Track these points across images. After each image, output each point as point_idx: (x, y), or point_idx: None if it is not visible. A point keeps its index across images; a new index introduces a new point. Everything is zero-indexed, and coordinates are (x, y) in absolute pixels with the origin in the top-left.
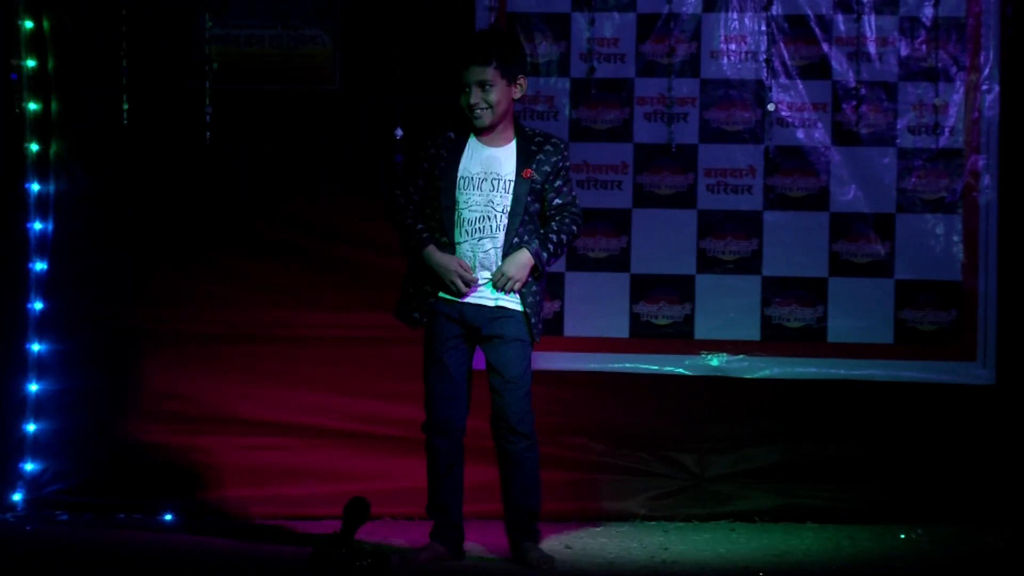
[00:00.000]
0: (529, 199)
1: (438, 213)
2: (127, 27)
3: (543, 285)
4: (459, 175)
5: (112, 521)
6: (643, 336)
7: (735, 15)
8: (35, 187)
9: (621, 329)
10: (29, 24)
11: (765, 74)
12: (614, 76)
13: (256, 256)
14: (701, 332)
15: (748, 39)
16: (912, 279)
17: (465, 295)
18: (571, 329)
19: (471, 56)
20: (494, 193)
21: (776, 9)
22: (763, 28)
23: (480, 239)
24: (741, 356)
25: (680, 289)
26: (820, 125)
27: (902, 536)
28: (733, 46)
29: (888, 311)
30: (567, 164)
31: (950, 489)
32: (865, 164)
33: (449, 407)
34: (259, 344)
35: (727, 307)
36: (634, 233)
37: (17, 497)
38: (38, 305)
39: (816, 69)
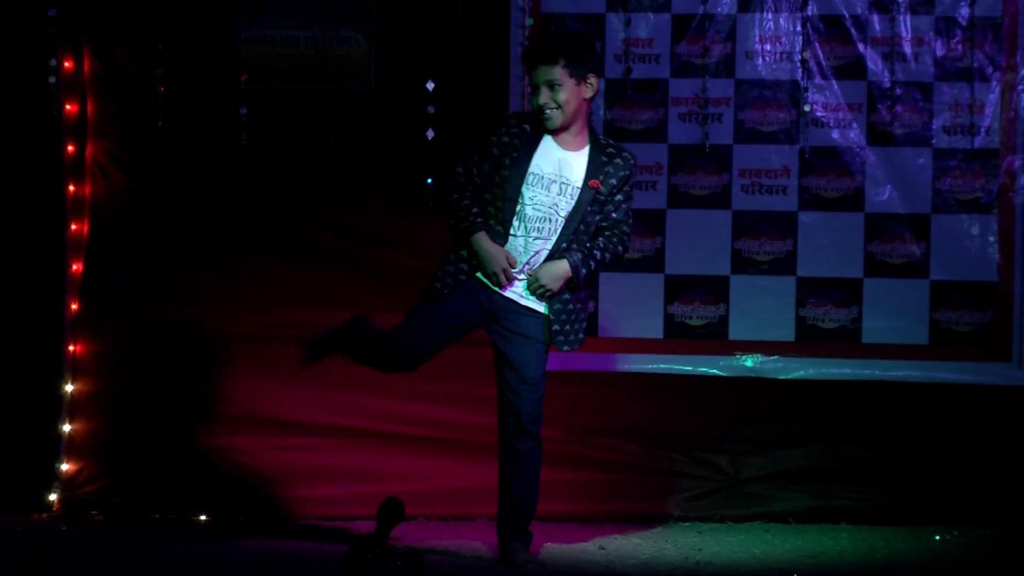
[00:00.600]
0: (590, 208)
1: (499, 201)
2: (162, 28)
3: (582, 296)
4: (530, 171)
5: (147, 521)
6: (677, 337)
7: (770, 15)
8: (72, 188)
9: (655, 330)
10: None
11: (800, 74)
12: (649, 76)
13: (290, 257)
14: (735, 333)
15: (783, 39)
16: (947, 280)
17: (503, 288)
18: (605, 330)
19: (538, 55)
20: (560, 197)
21: (811, 9)
22: (798, 28)
23: (536, 238)
24: (775, 357)
25: (714, 290)
26: (855, 125)
27: (937, 538)
28: (768, 46)
29: (923, 312)
30: (632, 181)
31: (985, 491)
32: (900, 164)
33: (406, 352)
34: (292, 345)
35: (761, 308)
36: (668, 234)
37: (53, 497)
38: (74, 306)
39: (851, 69)
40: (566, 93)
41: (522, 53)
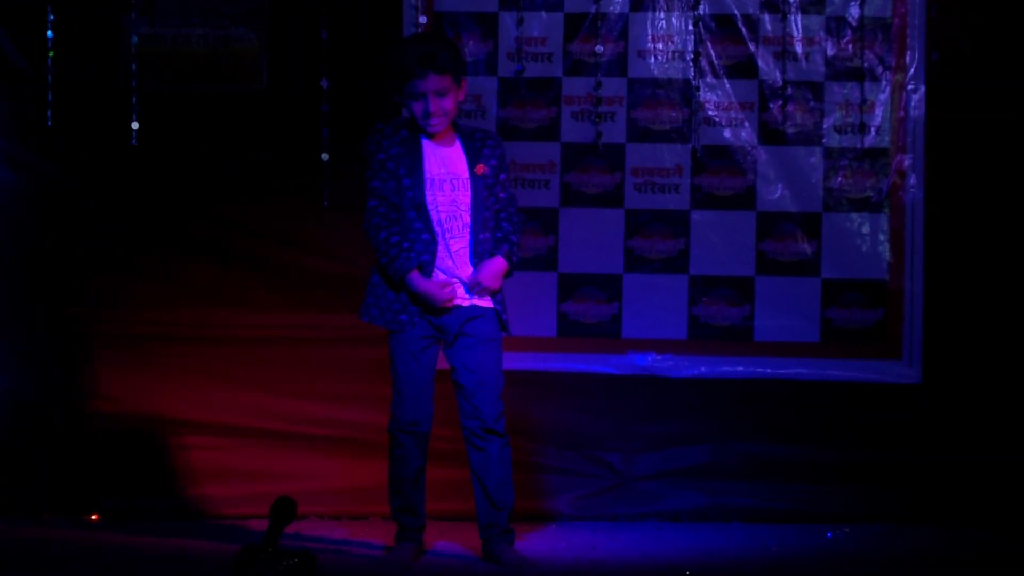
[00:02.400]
0: (485, 194)
1: (410, 212)
2: (53, 26)
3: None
4: (425, 176)
5: (37, 520)
6: (570, 335)
7: (662, 14)
8: None
9: (548, 328)
10: None
11: (692, 73)
12: (542, 75)
13: (186, 256)
14: (628, 331)
15: (675, 38)
16: (838, 278)
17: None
18: None
19: (427, 65)
20: (455, 192)
21: (703, 9)
22: (690, 27)
23: (452, 238)
24: (668, 355)
25: (607, 288)
26: (747, 124)
27: (828, 535)
28: (660, 45)
29: (815, 310)
30: (506, 158)
31: (877, 487)
32: (792, 163)
33: (419, 408)
34: (188, 344)
35: (654, 306)
36: (561, 232)
37: None
38: None
39: (743, 68)
40: (451, 100)
41: (403, 59)
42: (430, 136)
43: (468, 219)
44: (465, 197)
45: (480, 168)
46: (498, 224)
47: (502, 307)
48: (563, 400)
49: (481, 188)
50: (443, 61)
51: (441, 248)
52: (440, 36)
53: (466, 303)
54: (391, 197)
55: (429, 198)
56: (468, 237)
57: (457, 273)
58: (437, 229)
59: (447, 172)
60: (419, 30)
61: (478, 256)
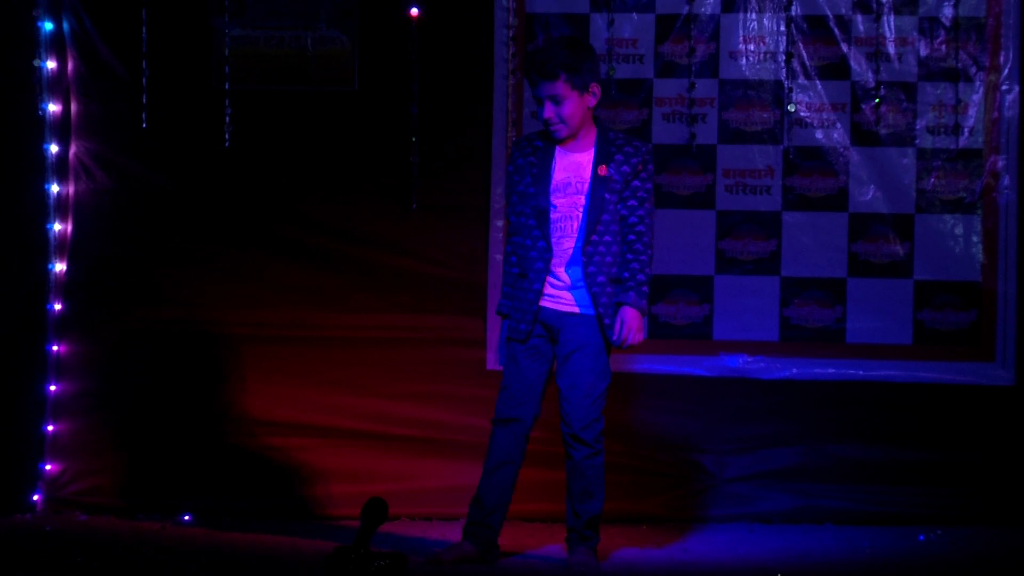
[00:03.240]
0: (607, 196)
1: (531, 219)
2: (147, 28)
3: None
4: (552, 183)
5: (131, 522)
6: (662, 337)
7: (754, 15)
8: (54, 188)
9: None
10: (49, 25)
11: (784, 74)
12: (633, 77)
13: (274, 257)
14: (720, 333)
15: (767, 39)
16: (931, 280)
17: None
18: None
19: (538, 71)
20: (577, 196)
21: (795, 9)
22: (782, 28)
23: (560, 238)
24: (759, 357)
25: (699, 290)
26: (839, 125)
27: (921, 537)
28: (752, 46)
29: (907, 312)
30: (648, 168)
31: (970, 491)
32: (884, 164)
33: (518, 405)
34: (278, 345)
35: (746, 308)
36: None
37: (36, 497)
38: (57, 306)
39: (835, 69)
40: (570, 106)
41: (523, 65)
42: (559, 142)
43: (584, 220)
44: (582, 199)
45: (603, 169)
46: (626, 257)
47: (607, 314)
48: (655, 402)
49: (602, 190)
50: (554, 67)
51: (555, 251)
52: (565, 41)
53: (564, 307)
54: (513, 216)
55: (552, 201)
56: (579, 237)
57: (560, 274)
58: (552, 229)
59: (571, 176)
60: (510, 32)
61: (586, 256)
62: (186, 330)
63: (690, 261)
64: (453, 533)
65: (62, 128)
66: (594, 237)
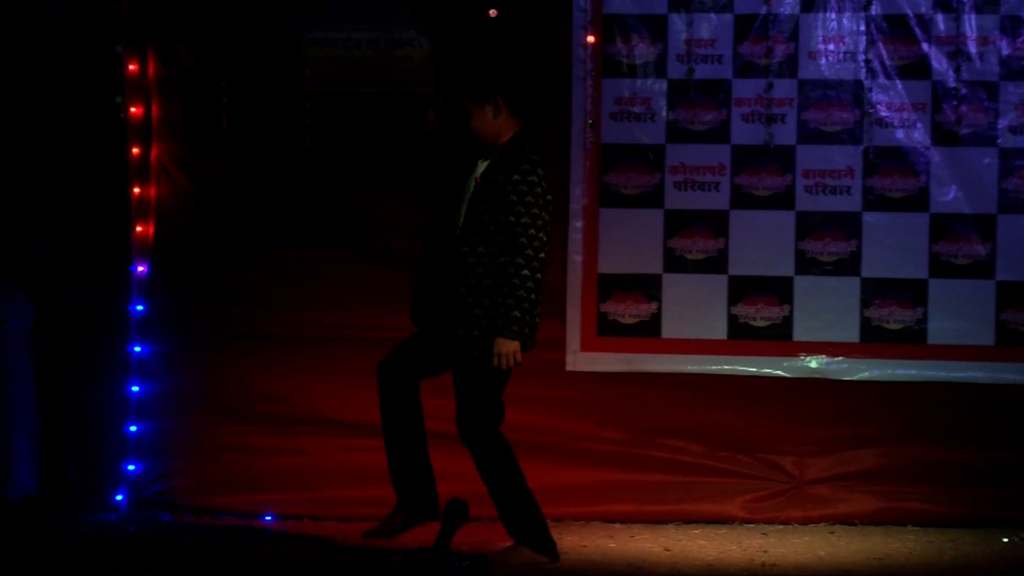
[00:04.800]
0: (481, 207)
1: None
2: (227, 31)
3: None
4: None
5: (213, 522)
6: (741, 338)
7: (833, 15)
8: (137, 190)
9: (719, 331)
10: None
11: (864, 74)
12: (711, 77)
13: (354, 258)
14: (799, 334)
15: (846, 39)
16: (1014, 280)
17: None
18: (669, 331)
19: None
20: (461, 204)
21: (875, 9)
22: (862, 28)
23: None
24: (840, 358)
25: (778, 291)
26: (920, 125)
27: (1005, 540)
28: (831, 46)
29: (989, 313)
30: (522, 183)
31: None
32: (966, 164)
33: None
34: (353, 346)
35: (826, 309)
36: (732, 235)
37: (120, 497)
38: (139, 307)
39: (915, 69)
40: (475, 120)
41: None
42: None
43: (463, 219)
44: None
45: (478, 178)
46: (503, 293)
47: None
48: (734, 403)
49: (477, 200)
50: (457, 89)
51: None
52: (468, 58)
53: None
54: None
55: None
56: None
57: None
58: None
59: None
60: (588, 34)
61: None
62: (264, 331)
63: (769, 262)
64: None
65: (143, 130)
66: (464, 248)
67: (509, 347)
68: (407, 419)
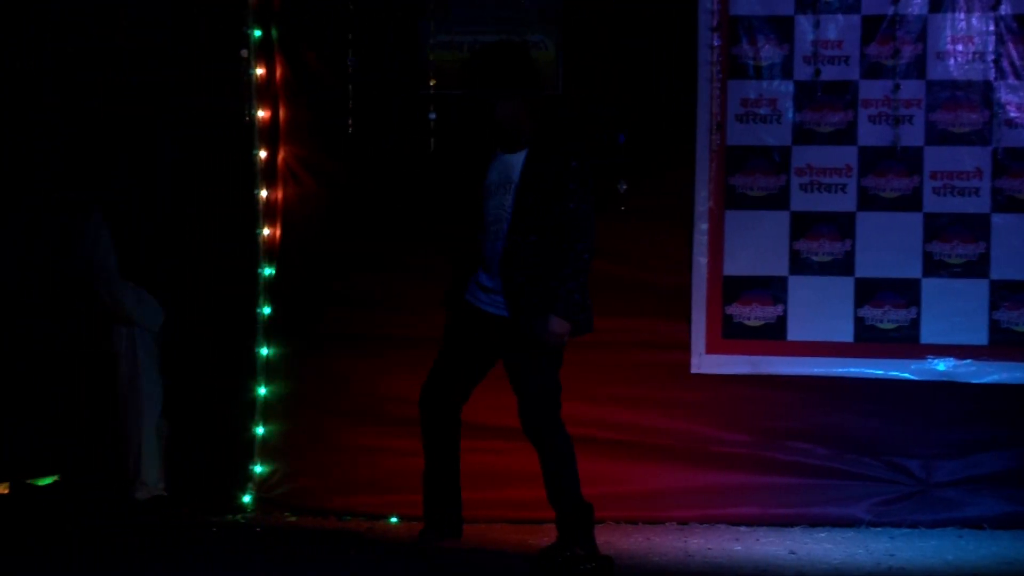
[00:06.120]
0: (531, 200)
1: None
2: (352, 35)
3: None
4: (485, 184)
5: (338, 523)
6: (868, 340)
7: (962, 15)
8: (263, 193)
9: (845, 333)
10: (258, 33)
11: (993, 75)
12: (838, 78)
13: None
14: (927, 336)
15: (975, 39)
16: None
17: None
18: (794, 333)
19: (467, 81)
20: (505, 197)
21: (1005, 8)
22: (991, 28)
23: (494, 241)
24: (968, 360)
25: (906, 293)
26: None
27: None
28: (960, 47)
29: None
30: (579, 170)
31: None
32: None
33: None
34: None
35: (954, 311)
36: (858, 236)
37: (247, 499)
38: (266, 309)
39: None
40: (499, 111)
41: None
42: (501, 143)
43: (508, 220)
44: (511, 200)
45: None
46: (561, 274)
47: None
48: (860, 405)
49: (528, 192)
50: (481, 75)
51: (487, 249)
52: (495, 48)
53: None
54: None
55: (486, 205)
56: (503, 235)
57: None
58: (487, 231)
59: (502, 178)
60: (714, 35)
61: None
62: (391, 333)
63: (896, 264)
64: (657, 537)
65: (271, 134)
66: (518, 239)
67: (564, 326)
68: (447, 444)
